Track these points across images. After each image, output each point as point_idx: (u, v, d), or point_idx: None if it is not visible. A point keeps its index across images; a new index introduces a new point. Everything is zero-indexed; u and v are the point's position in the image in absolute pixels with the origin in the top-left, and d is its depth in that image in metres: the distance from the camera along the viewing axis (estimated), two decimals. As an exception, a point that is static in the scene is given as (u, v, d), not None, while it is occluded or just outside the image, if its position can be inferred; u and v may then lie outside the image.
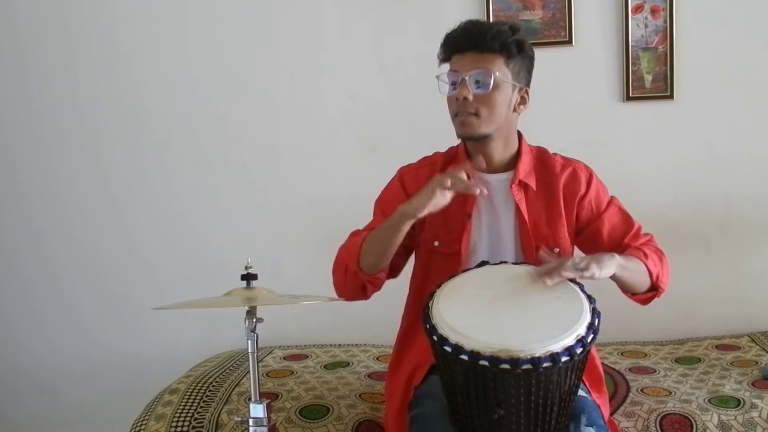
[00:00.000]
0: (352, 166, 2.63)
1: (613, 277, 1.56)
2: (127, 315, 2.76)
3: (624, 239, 1.71)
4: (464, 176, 1.50)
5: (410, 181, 1.75)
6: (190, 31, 2.66)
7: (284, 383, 2.10)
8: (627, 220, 1.75)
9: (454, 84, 1.63)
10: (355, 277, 1.64)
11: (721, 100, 2.51)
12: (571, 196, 1.71)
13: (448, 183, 1.48)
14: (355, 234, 1.73)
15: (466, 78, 1.59)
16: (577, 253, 1.74)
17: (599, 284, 1.57)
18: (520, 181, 1.68)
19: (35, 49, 2.70)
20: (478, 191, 1.49)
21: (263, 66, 2.64)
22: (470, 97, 1.59)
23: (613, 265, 1.51)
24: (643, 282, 1.64)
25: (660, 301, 1.72)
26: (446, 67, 1.67)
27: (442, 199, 1.49)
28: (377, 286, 1.68)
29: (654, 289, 1.67)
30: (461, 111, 1.61)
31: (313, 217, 2.64)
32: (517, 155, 1.71)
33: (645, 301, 1.70)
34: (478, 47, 1.60)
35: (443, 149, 1.80)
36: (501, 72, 1.61)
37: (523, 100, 1.67)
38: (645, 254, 1.64)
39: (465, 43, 1.61)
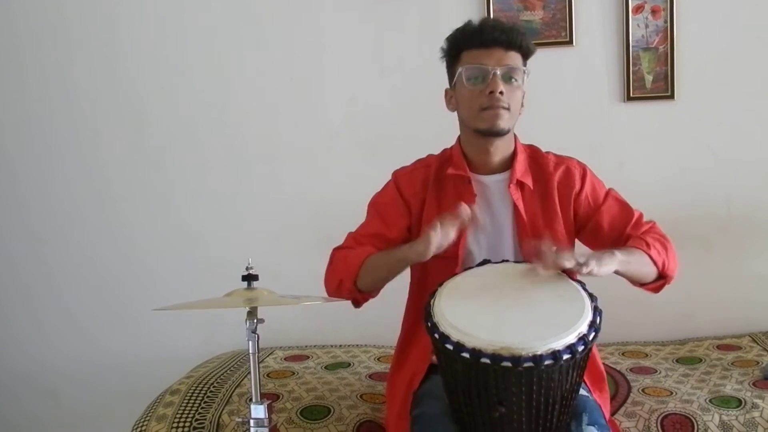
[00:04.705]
0: (353, 167, 2.62)
1: (618, 273, 1.55)
2: (127, 317, 2.76)
3: (626, 229, 1.70)
4: (453, 217, 1.50)
5: (405, 183, 1.75)
6: (189, 33, 2.66)
7: (285, 384, 2.10)
8: (626, 209, 1.74)
9: (476, 78, 1.62)
10: (349, 293, 1.66)
11: (722, 100, 2.51)
12: (566, 194, 1.71)
13: (438, 226, 1.48)
14: (351, 238, 1.74)
15: (498, 72, 1.60)
16: (579, 249, 1.73)
17: (600, 283, 1.57)
18: (517, 180, 1.68)
19: (34, 52, 2.70)
20: (468, 221, 1.50)
21: (263, 68, 2.64)
22: (504, 91, 1.60)
23: (613, 263, 1.50)
24: (649, 273, 1.63)
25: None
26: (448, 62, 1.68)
27: (444, 239, 1.49)
28: (371, 298, 1.70)
29: (663, 277, 1.66)
30: (494, 104, 1.60)
31: (313, 218, 2.64)
32: (513, 155, 1.72)
33: (656, 290, 1.68)
34: (506, 44, 1.61)
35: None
36: (522, 70, 1.64)
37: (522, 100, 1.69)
38: (647, 244, 1.62)
39: (496, 37, 1.61)
